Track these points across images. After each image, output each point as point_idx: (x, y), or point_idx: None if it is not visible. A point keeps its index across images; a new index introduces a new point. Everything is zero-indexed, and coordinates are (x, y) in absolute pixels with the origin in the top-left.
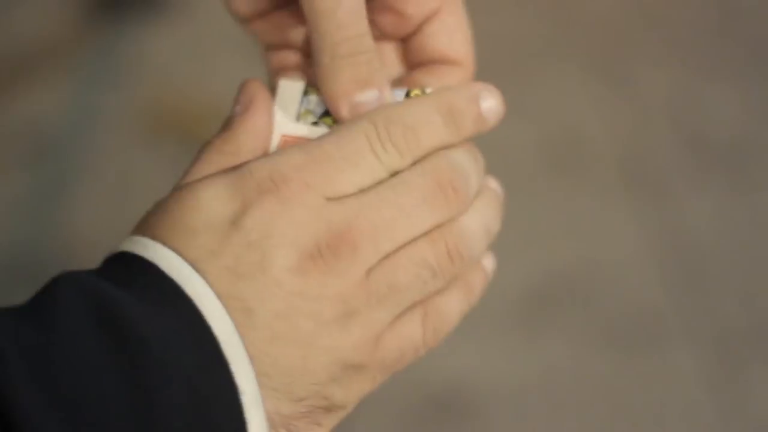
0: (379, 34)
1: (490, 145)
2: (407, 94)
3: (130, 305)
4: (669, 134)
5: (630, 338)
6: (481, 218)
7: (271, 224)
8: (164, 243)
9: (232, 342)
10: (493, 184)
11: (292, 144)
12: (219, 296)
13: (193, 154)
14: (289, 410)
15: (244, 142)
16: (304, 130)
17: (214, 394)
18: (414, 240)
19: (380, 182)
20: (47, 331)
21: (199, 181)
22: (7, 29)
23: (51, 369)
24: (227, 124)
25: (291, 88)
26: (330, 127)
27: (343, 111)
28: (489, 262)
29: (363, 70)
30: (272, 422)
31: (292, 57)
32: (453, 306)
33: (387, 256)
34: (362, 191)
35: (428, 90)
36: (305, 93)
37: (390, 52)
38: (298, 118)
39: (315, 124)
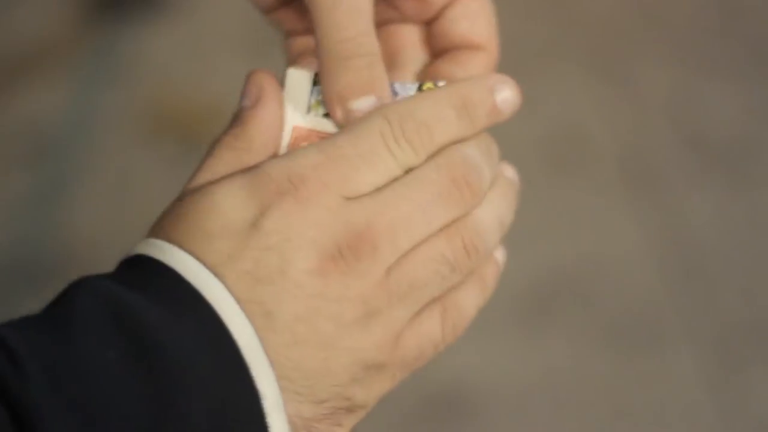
0: (402, 18)
1: None
2: (419, 88)
3: (149, 312)
4: (669, 133)
5: (630, 337)
6: (495, 210)
7: (291, 226)
8: (181, 247)
9: (252, 346)
10: (509, 172)
11: (304, 136)
12: (238, 301)
13: (193, 153)
14: (311, 413)
15: (255, 136)
16: (315, 121)
17: (235, 399)
18: (431, 236)
19: (395, 179)
20: (66, 342)
21: (216, 183)
22: (7, 29)
23: (70, 379)
24: (237, 118)
25: (300, 77)
26: None
27: (339, 114)
28: (500, 254)
29: (362, 75)
30: (294, 425)
31: (313, 42)
32: (470, 300)
33: (405, 254)
34: (378, 189)
35: (441, 83)
36: (315, 83)
37: (413, 36)
38: (309, 108)
39: (326, 115)
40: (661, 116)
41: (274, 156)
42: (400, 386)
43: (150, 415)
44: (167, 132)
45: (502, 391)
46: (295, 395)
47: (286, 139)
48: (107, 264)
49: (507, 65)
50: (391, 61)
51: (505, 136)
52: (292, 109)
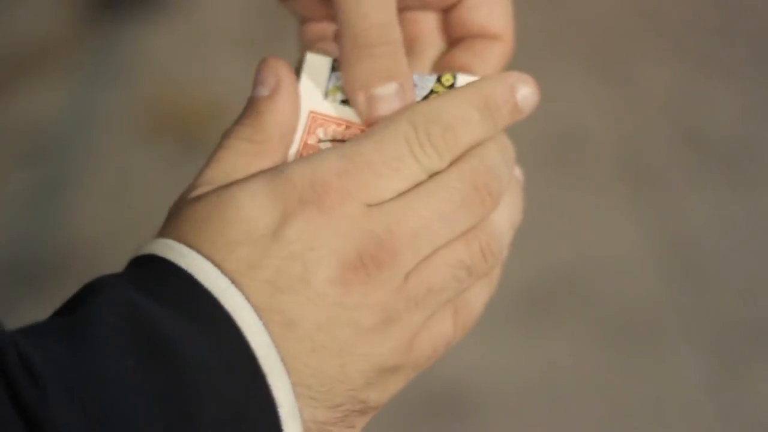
0: (421, 5)
1: None
2: (438, 79)
3: (167, 322)
4: (669, 132)
5: (630, 336)
6: (509, 213)
7: (314, 235)
8: (200, 252)
9: (269, 356)
10: (516, 170)
11: (320, 122)
12: (257, 309)
13: (193, 152)
14: (326, 417)
15: (273, 128)
16: (332, 108)
17: (251, 408)
18: (449, 242)
19: (419, 185)
20: (84, 353)
21: (238, 186)
22: (7, 29)
23: (88, 393)
24: (253, 108)
25: (319, 62)
26: None
27: (360, 102)
28: (504, 253)
29: (384, 63)
30: (308, 430)
31: (330, 29)
32: (479, 297)
33: (424, 259)
34: (401, 195)
35: (459, 76)
36: (333, 69)
37: (431, 23)
38: (327, 94)
39: (344, 102)
40: (661, 115)
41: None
42: None
43: (167, 426)
44: (167, 131)
45: (502, 389)
46: (310, 401)
47: (301, 124)
48: (107, 263)
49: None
50: (408, 48)
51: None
52: (309, 94)
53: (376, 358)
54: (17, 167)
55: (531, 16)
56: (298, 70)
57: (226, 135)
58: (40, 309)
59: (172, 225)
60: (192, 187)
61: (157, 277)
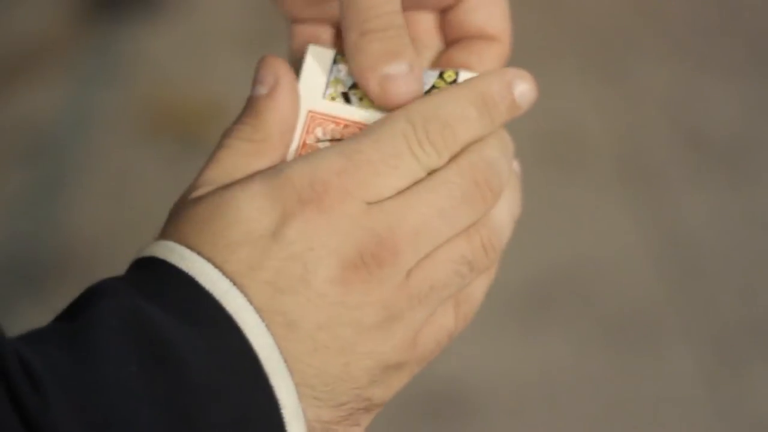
0: (417, 5)
1: None
2: (440, 75)
3: (168, 325)
4: (667, 131)
5: (628, 335)
6: (508, 207)
7: (313, 235)
8: (201, 253)
9: (272, 357)
10: (514, 164)
11: (319, 121)
12: (259, 311)
13: (191, 152)
14: (330, 416)
15: (273, 127)
16: (331, 108)
17: (254, 410)
18: (451, 238)
19: (418, 182)
20: (87, 361)
21: (237, 187)
22: (5, 28)
23: (89, 397)
24: (252, 107)
25: (321, 55)
26: (361, 99)
27: (372, 84)
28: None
29: (393, 43)
30: (313, 430)
31: (322, 30)
32: (479, 289)
33: (426, 256)
34: (401, 193)
35: (461, 72)
36: (335, 61)
37: (428, 23)
38: (328, 86)
39: (345, 95)
40: (660, 114)
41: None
42: None
43: (169, 430)
44: (165, 131)
45: (501, 388)
46: (314, 401)
47: (300, 124)
48: (106, 262)
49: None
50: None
51: None
52: (306, 92)
53: (380, 356)
54: (16, 167)
55: (530, 15)
56: (294, 70)
57: (226, 134)
58: (38, 309)
59: (172, 227)
60: (192, 187)
61: (158, 280)
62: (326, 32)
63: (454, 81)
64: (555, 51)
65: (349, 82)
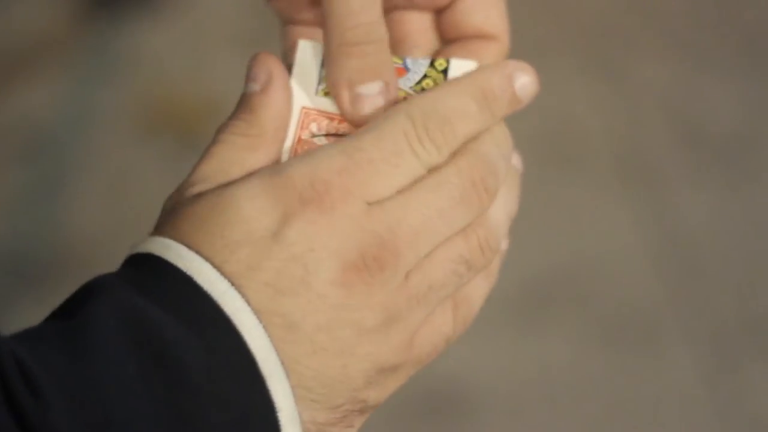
0: (410, 5)
1: None
2: (431, 64)
3: (167, 326)
4: (666, 129)
5: (627, 334)
6: (505, 206)
7: (314, 236)
8: (199, 252)
9: (269, 359)
10: (514, 159)
11: (312, 117)
12: (257, 312)
13: (190, 150)
14: (325, 418)
15: (267, 123)
16: (325, 103)
17: (251, 413)
18: (448, 237)
19: (418, 181)
20: (83, 359)
21: (237, 185)
22: (3, 26)
23: (88, 399)
24: (246, 104)
25: (312, 49)
26: None
27: (345, 100)
28: (503, 242)
29: (371, 60)
30: (307, 431)
31: (315, 32)
32: (478, 291)
33: (425, 257)
34: (400, 192)
35: (453, 60)
36: None
37: (423, 23)
38: (320, 81)
39: None
40: (658, 112)
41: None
42: None
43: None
44: (164, 129)
45: (499, 388)
46: (311, 403)
47: (294, 120)
48: (105, 261)
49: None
50: (398, 47)
51: None
52: (300, 89)
53: (377, 358)
54: (15, 165)
55: (529, 13)
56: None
57: (220, 130)
58: (37, 307)
59: (169, 223)
60: (187, 183)
61: (156, 279)
62: (319, 34)
63: (445, 69)
64: (554, 49)
65: None
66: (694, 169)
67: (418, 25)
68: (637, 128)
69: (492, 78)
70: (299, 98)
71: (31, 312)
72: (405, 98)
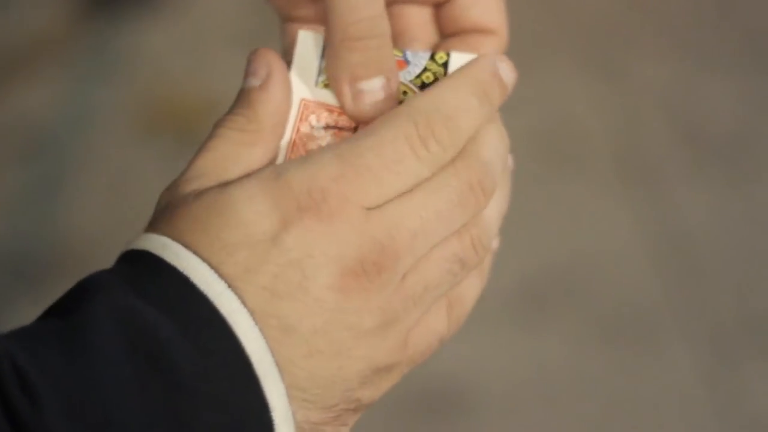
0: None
1: None
2: (432, 57)
3: (163, 326)
4: (665, 128)
5: (625, 333)
6: (497, 205)
7: (313, 243)
8: (197, 253)
9: (264, 361)
10: (509, 159)
11: (313, 109)
12: (253, 314)
13: (189, 149)
14: (319, 417)
15: (265, 118)
16: (324, 96)
17: (245, 413)
18: (444, 239)
19: (419, 183)
20: (79, 360)
21: (236, 190)
22: (2, 26)
23: (84, 400)
24: (244, 99)
25: (312, 40)
26: None
27: (346, 96)
28: (494, 240)
29: (373, 55)
30: (301, 430)
31: (314, 29)
32: (471, 291)
33: (420, 258)
34: (400, 196)
35: (453, 53)
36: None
37: (422, 17)
38: (320, 72)
39: None
40: (658, 111)
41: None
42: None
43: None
44: (163, 128)
45: (497, 387)
46: (304, 403)
47: (294, 112)
48: (104, 260)
49: None
50: (397, 41)
51: None
52: (299, 80)
53: (373, 359)
54: (14, 165)
55: (528, 12)
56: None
57: (218, 125)
58: (36, 307)
59: (165, 220)
60: (184, 178)
61: (152, 277)
62: (318, 31)
63: (446, 63)
64: (553, 48)
65: None
66: (693, 168)
67: (418, 19)
68: (636, 127)
69: (484, 69)
70: (299, 90)
71: (31, 312)
72: (405, 92)
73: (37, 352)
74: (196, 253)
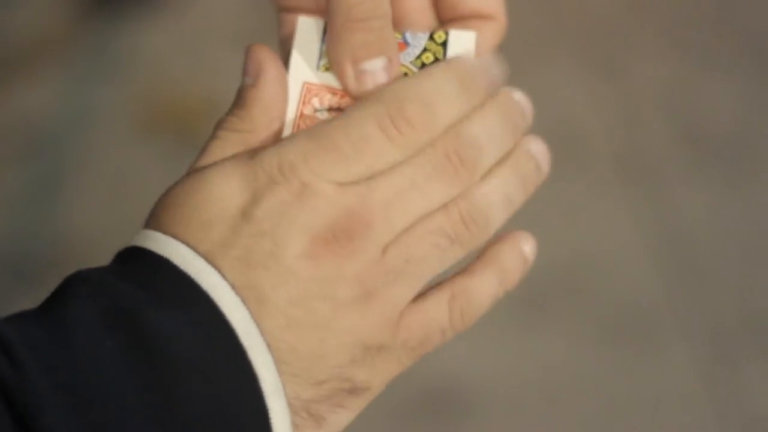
0: None
1: None
2: (431, 37)
3: (144, 302)
4: (665, 128)
5: (625, 333)
6: (502, 185)
7: (282, 214)
8: (176, 236)
9: (249, 331)
10: (534, 147)
11: (314, 91)
12: (233, 287)
13: (189, 148)
14: (310, 394)
15: (258, 118)
16: (327, 78)
17: (234, 384)
18: (429, 212)
19: (391, 165)
20: (63, 336)
21: (212, 170)
22: (2, 25)
23: (69, 375)
24: (240, 99)
25: (311, 26)
26: None
27: (349, 77)
28: (529, 248)
29: (375, 36)
30: (292, 407)
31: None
32: (484, 289)
33: (403, 231)
34: (374, 172)
35: (452, 31)
36: (326, 32)
37: (423, 3)
38: (321, 56)
39: None
40: (657, 110)
41: (280, 131)
42: (396, 381)
43: (149, 404)
44: (164, 128)
45: (498, 387)
46: (292, 377)
47: (296, 96)
48: (104, 259)
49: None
50: (396, 26)
51: None
52: (302, 63)
53: (357, 333)
54: (14, 164)
55: (528, 12)
56: (284, 59)
57: (218, 126)
58: (35, 305)
59: (152, 216)
60: (183, 177)
61: (135, 265)
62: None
63: (445, 42)
64: (553, 48)
65: None
66: (693, 168)
67: (417, 4)
68: (636, 127)
69: (468, 62)
70: (301, 73)
71: None
72: (405, 73)
73: (20, 326)
74: (175, 235)
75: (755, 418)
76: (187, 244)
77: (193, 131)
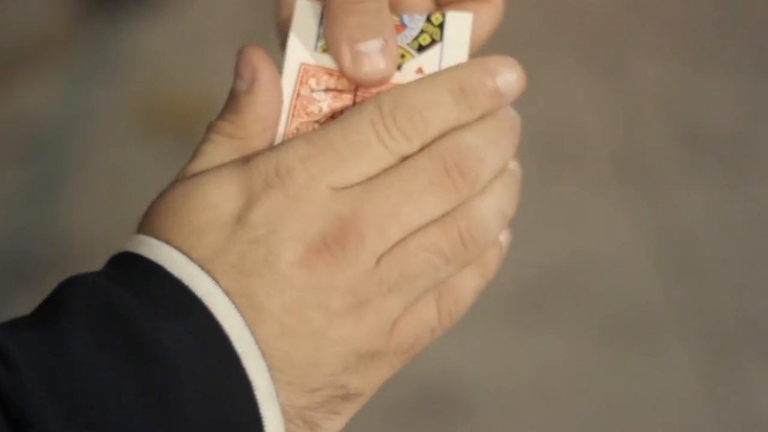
0: None
1: None
2: (428, 19)
3: (139, 309)
4: (665, 128)
5: (624, 333)
6: (497, 200)
7: (277, 219)
8: (170, 242)
9: (243, 338)
10: (512, 164)
11: (312, 72)
12: (227, 294)
13: (188, 148)
14: (304, 402)
15: (253, 124)
16: (323, 58)
17: (228, 391)
18: (425, 226)
19: (388, 169)
20: (59, 342)
21: (205, 174)
22: (2, 25)
23: (66, 381)
24: (232, 103)
25: (310, 8)
26: None
27: (345, 58)
28: (504, 236)
29: (372, 18)
30: (287, 414)
31: None
32: (467, 284)
33: (398, 243)
34: (369, 179)
35: (448, 13)
36: (323, 15)
37: None
38: (319, 38)
39: None
40: (657, 111)
41: (273, 139)
42: (394, 383)
43: (144, 411)
44: (162, 127)
45: (496, 387)
46: (286, 385)
47: (293, 76)
48: (103, 259)
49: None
50: (394, 11)
51: None
52: (300, 45)
53: (351, 343)
54: (13, 164)
55: (528, 12)
56: (283, 43)
57: (210, 129)
58: (35, 305)
59: (145, 221)
60: (175, 180)
61: (129, 271)
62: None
63: (442, 24)
64: (553, 48)
65: None
66: (692, 169)
67: None
68: (636, 128)
69: (470, 72)
70: (299, 55)
71: (29, 310)
72: (402, 55)
73: (15, 332)
74: (168, 241)
75: (755, 418)
76: (181, 250)
77: (193, 131)
